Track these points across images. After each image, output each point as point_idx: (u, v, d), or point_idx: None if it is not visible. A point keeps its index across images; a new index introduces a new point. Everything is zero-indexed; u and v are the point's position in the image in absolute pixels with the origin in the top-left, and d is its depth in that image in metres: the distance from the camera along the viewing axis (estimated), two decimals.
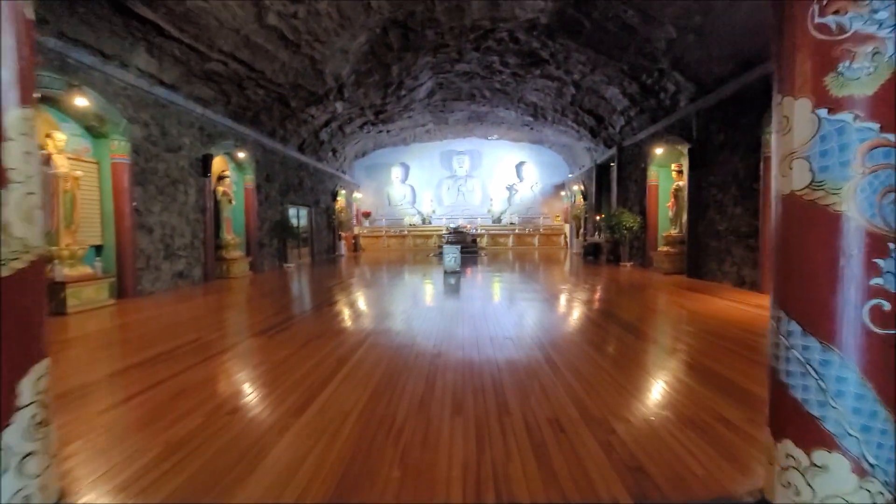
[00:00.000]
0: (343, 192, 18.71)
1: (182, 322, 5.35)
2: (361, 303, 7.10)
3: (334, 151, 16.97)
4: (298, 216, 14.57)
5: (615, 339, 4.45)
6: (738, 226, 7.43)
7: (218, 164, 9.95)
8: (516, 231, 21.21)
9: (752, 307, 5.81)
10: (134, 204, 7.05)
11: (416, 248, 20.97)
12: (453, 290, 8.25)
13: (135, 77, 7.04)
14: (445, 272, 10.46)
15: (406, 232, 21.62)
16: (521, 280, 9.72)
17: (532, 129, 18.17)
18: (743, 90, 7.30)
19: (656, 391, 2.98)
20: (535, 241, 20.90)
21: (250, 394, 2.99)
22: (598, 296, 7.27)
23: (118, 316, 5.75)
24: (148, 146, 7.44)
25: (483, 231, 20.90)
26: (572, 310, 6.18)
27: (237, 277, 9.81)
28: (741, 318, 5.17)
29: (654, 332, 4.83)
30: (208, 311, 6.19)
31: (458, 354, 3.81)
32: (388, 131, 18.36)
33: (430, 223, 22.29)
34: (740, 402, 2.71)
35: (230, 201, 10.00)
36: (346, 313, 6.08)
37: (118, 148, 6.83)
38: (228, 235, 9.99)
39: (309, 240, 15.26)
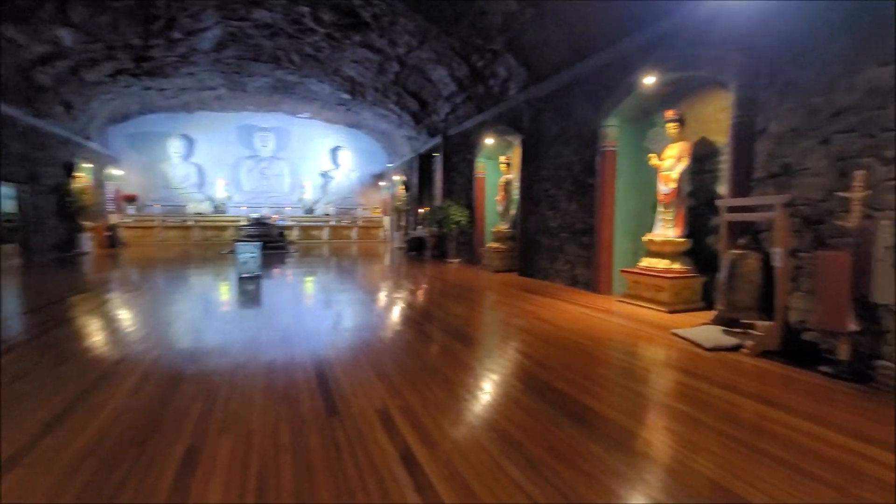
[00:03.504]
0: (89, 165, 13.58)
1: None
2: (60, 354, 4.29)
3: (68, 106, 11.99)
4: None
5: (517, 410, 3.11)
6: (572, 222, 7.13)
7: None
8: (332, 223, 19.04)
9: (605, 314, 5.30)
10: None
11: (206, 242, 16.87)
12: (250, 303, 5.96)
13: None
14: (241, 277, 7.91)
15: (191, 222, 17.24)
16: (342, 287, 7.92)
17: (349, 109, 16.24)
18: (578, 80, 6.95)
19: None
20: (353, 234, 19.11)
21: None
22: (440, 308, 6.02)
23: None
24: None
25: (293, 222, 18.09)
26: (419, 338, 4.72)
27: None
28: (620, 336, 4.49)
29: (560, 382, 3.67)
30: None
31: None
32: (161, 90, 14.01)
33: (224, 212, 18.29)
34: None
35: None
36: None
37: None
38: None
39: (19, 232, 10.31)
